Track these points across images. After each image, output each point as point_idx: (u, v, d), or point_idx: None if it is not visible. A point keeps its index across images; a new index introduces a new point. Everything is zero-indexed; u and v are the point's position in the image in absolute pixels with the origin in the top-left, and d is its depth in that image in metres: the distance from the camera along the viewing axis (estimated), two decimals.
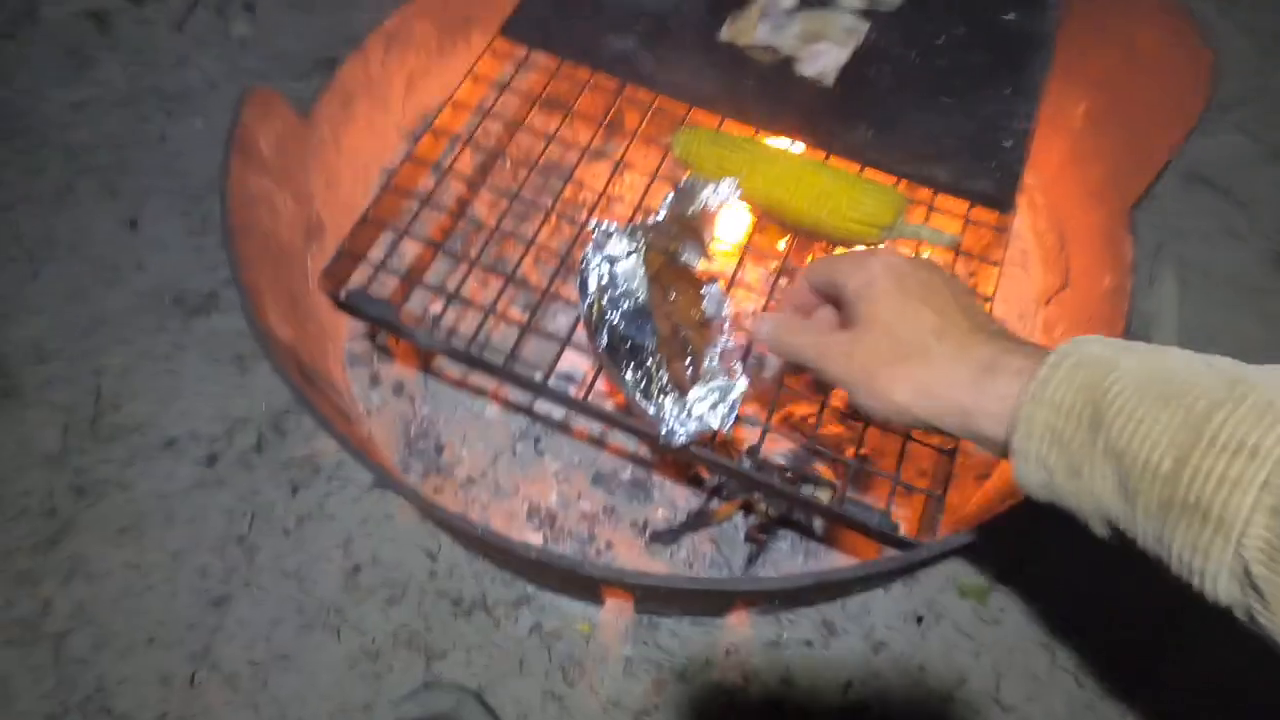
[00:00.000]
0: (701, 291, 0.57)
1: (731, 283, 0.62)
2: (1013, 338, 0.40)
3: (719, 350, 0.55)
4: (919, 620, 0.83)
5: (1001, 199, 0.67)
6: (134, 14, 1.27)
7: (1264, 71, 1.21)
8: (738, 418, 0.52)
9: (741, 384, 0.52)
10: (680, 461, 0.56)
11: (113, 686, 0.80)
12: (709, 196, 0.59)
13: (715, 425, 0.51)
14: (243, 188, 0.71)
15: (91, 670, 0.81)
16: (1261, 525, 0.27)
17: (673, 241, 0.58)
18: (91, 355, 0.98)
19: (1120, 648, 0.81)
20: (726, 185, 0.60)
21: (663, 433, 0.52)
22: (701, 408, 0.52)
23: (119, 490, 0.90)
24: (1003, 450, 0.38)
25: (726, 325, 0.56)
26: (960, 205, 0.67)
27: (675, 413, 0.52)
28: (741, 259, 0.69)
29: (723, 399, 0.52)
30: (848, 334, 0.43)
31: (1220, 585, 0.29)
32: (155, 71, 1.22)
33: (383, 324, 0.64)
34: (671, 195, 0.60)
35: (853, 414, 0.61)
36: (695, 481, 0.85)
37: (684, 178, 0.61)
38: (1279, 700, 0.78)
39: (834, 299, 0.47)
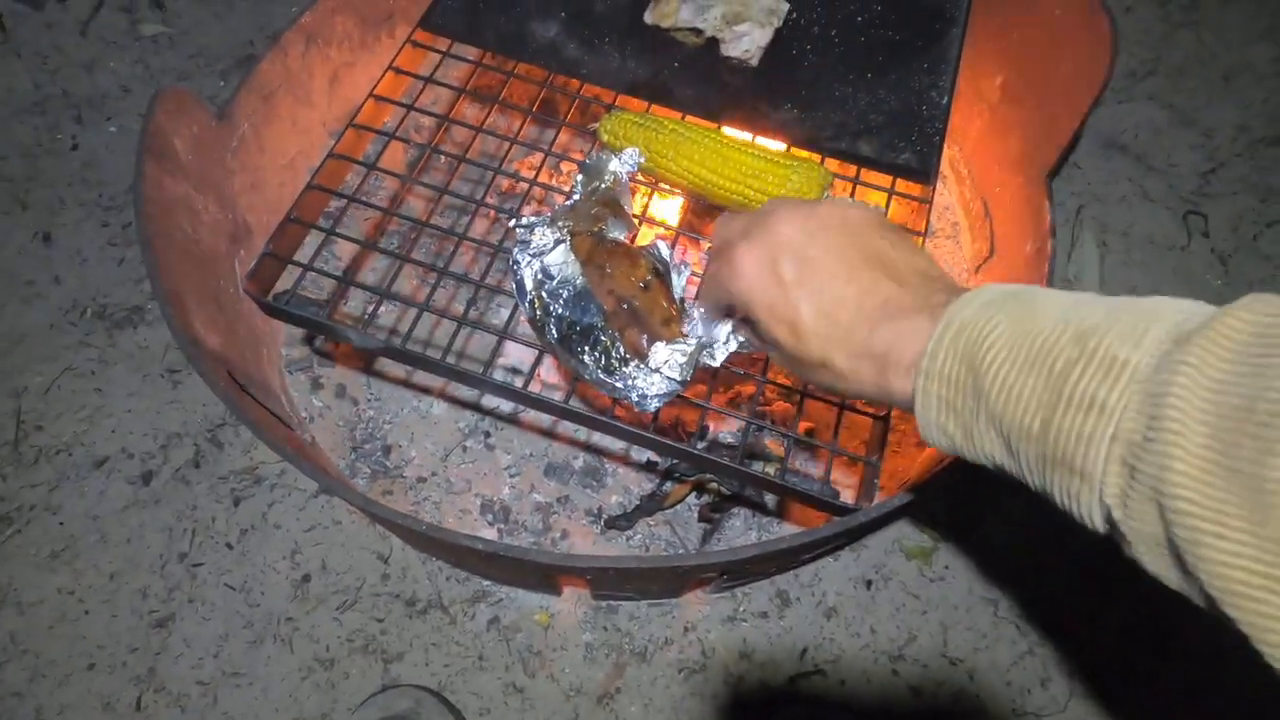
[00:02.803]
0: (644, 253, 0.57)
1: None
2: (890, 305, 0.39)
3: (680, 297, 0.56)
4: (868, 584, 0.85)
5: (923, 171, 0.69)
6: (35, 19, 1.21)
7: (1174, 41, 1.26)
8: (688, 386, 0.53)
9: (694, 343, 0.53)
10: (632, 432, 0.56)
11: (52, 717, 0.77)
12: (616, 167, 0.60)
13: (678, 378, 0.52)
14: (159, 193, 0.68)
15: (28, 703, 0.78)
16: (1115, 474, 0.29)
17: (595, 221, 0.58)
18: (9, 375, 0.93)
19: (1057, 596, 0.85)
20: (630, 154, 0.61)
21: (635, 399, 0.52)
22: (669, 369, 0.52)
23: (47, 514, 0.86)
24: None
25: (684, 272, 0.57)
26: (885, 179, 0.69)
27: (642, 379, 0.52)
28: (675, 241, 0.70)
29: (684, 355, 0.52)
30: (763, 342, 0.46)
31: (1097, 523, 0.32)
32: (63, 76, 1.16)
33: (313, 326, 0.62)
34: (580, 175, 0.60)
35: (792, 390, 0.62)
36: (648, 466, 0.86)
37: (588, 154, 0.61)
38: (1202, 636, 0.82)
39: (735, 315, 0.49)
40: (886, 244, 0.41)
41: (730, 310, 0.49)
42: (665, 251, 0.57)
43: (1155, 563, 0.29)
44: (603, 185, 0.60)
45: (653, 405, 0.53)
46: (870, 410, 0.61)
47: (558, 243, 0.56)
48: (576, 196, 0.60)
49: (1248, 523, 0.25)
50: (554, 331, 0.55)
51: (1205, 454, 0.26)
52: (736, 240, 0.43)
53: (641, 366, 0.52)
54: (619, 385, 0.53)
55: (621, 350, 0.52)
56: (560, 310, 0.54)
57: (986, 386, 0.33)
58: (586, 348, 0.53)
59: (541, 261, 0.56)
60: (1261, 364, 0.26)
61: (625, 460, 0.86)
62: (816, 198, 0.62)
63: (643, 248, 0.58)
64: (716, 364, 0.54)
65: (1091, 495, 0.30)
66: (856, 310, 0.39)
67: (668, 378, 0.52)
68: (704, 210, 0.88)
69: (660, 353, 0.52)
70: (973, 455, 0.37)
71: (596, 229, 0.58)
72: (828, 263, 0.40)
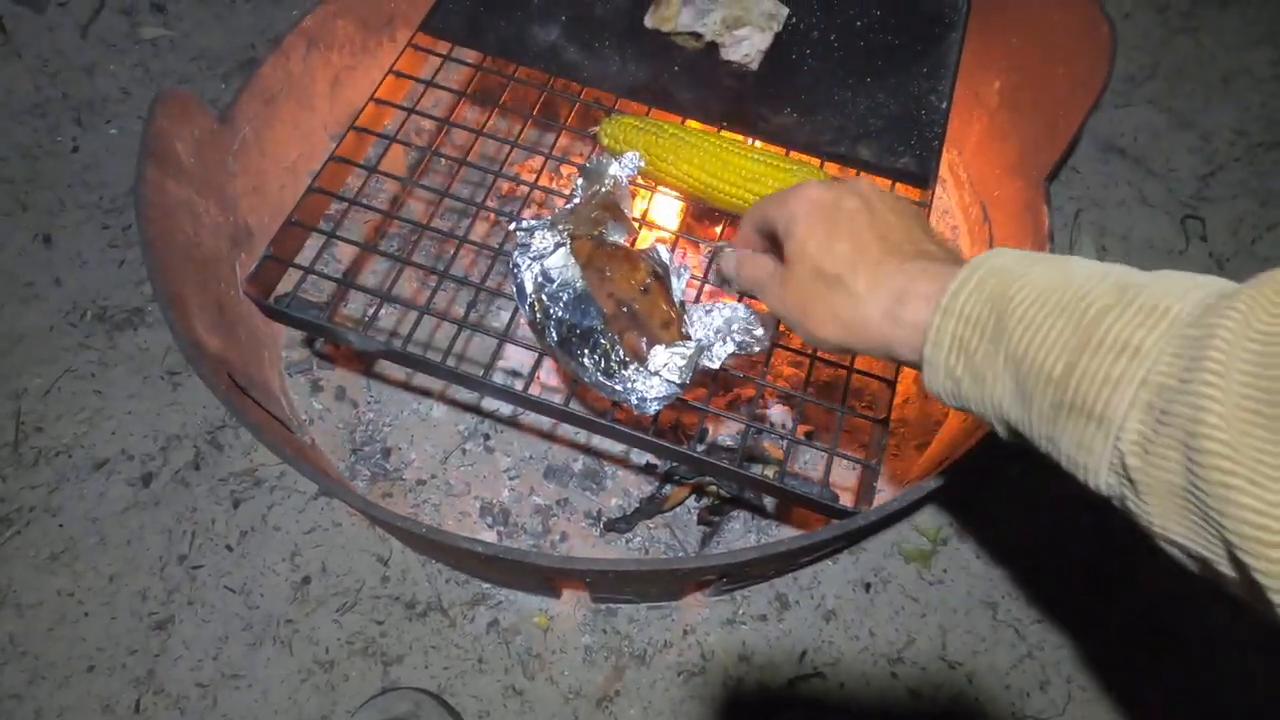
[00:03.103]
0: (644, 256, 0.57)
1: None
2: (928, 255, 0.40)
3: (680, 300, 0.56)
4: (867, 587, 0.85)
5: (922, 175, 0.69)
6: (36, 21, 1.21)
7: (1173, 46, 1.27)
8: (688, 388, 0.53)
9: (694, 346, 0.53)
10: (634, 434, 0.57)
11: (52, 719, 0.77)
12: (617, 171, 0.60)
13: (677, 381, 0.52)
14: (160, 195, 0.68)
15: (27, 705, 0.78)
16: (1137, 420, 0.29)
17: (595, 225, 0.59)
18: (9, 377, 0.93)
19: (1055, 599, 0.85)
20: (631, 157, 0.61)
21: (634, 402, 0.53)
22: (668, 372, 0.52)
23: (47, 516, 0.86)
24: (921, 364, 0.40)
25: (684, 275, 0.57)
26: (884, 183, 0.69)
27: (642, 382, 0.52)
28: (674, 244, 0.70)
29: (683, 358, 0.52)
30: (781, 270, 0.45)
31: (1102, 478, 0.31)
32: (63, 79, 1.16)
33: (313, 328, 0.62)
34: (580, 179, 0.61)
35: (792, 394, 0.62)
36: (647, 469, 0.86)
37: (588, 158, 0.61)
38: (1201, 638, 0.83)
39: (772, 237, 0.49)
40: (917, 222, 0.43)
41: (759, 238, 0.50)
42: (665, 255, 0.58)
43: (1165, 514, 0.29)
44: (603, 189, 0.60)
45: (652, 408, 0.53)
46: (869, 414, 0.62)
47: (558, 246, 0.57)
48: (577, 200, 0.60)
49: None
50: (554, 334, 0.55)
51: (1244, 401, 0.26)
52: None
53: (641, 370, 0.52)
54: (618, 388, 0.53)
55: (621, 353, 0.53)
56: (560, 313, 0.55)
57: (1011, 327, 0.33)
58: (586, 350, 0.53)
59: (542, 264, 0.56)
60: None
61: (625, 463, 0.86)
62: None
63: (642, 251, 0.58)
64: (715, 366, 0.54)
65: (1106, 443, 0.30)
66: (901, 243, 0.41)
67: (667, 380, 0.52)
68: (703, 214, 0.88)
69: (659, 356, 0.52)
70: (976, 403, 0.36)
71: (596, 232, 0.58)
72: (887, 212, 0.43)
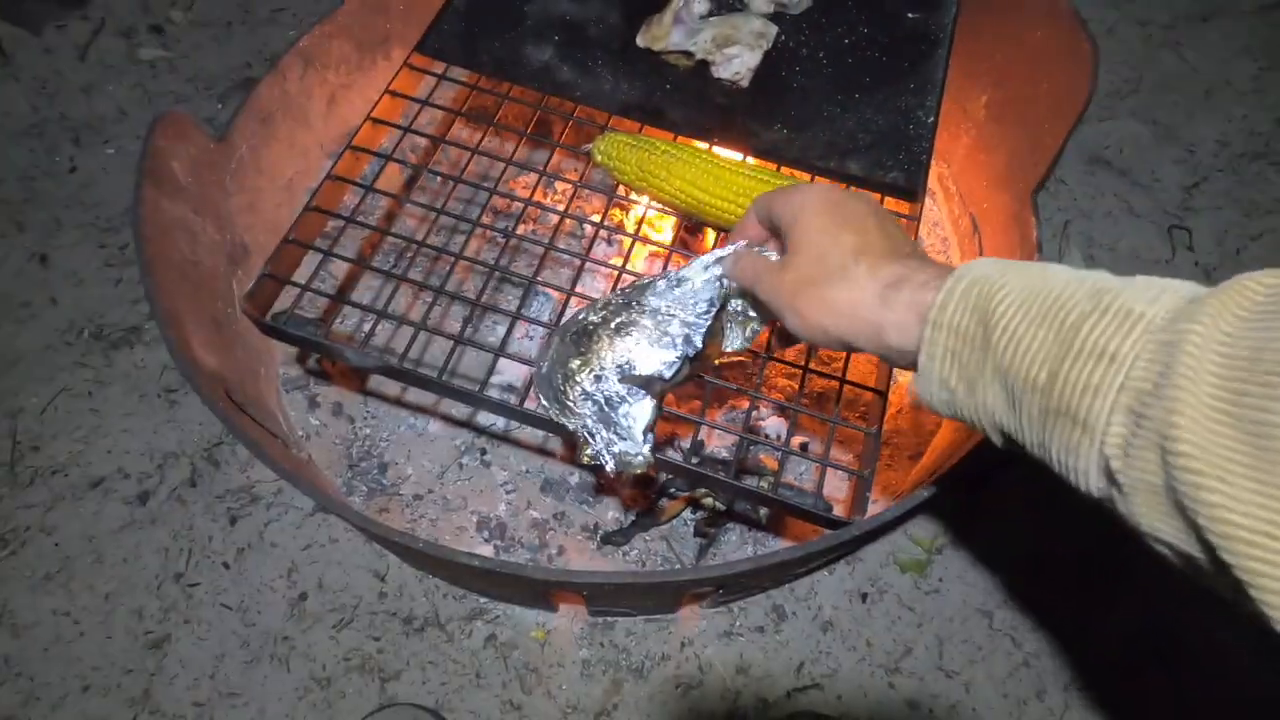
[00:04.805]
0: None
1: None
2: (924, 258, 0.42)
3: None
4: (864, 597, 0.85)
5: (911, 189, 0.70)
6: (34, 43, 1.22)
7: (1156, 60, 1.29)
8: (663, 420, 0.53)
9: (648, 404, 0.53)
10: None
11: None
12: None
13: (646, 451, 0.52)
14: (157, 215, 0.69)
15: None
16: (1119, 423, 0.30)
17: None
18: (5, 396, 0.93)
19: (1051, 607, 0.86)
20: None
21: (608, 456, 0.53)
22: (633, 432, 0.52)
23: (43, 535, 0.86)
24: (911, 362, 0.40)
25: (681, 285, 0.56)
26: (874, 197, 0.70)
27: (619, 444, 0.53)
28: (668, 259, 0.71)
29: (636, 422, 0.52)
30: (782, 259, 0.46)
31: (1091, 481, 0.32)
32: (61, 100, 1.17)
33: (310, 345, 0.63)
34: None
35: (786, 405, 0.63)
36: (643, 482, 0.86)
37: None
38: (1198, 645, 0.83)
39: (775, 229, 0.50)
40: (919, 249, 0.45)
41: (760, 229, 0.51)
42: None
43: (1151, 515, 0.29)
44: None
45: (638, 466, 0.53)
46: (862, 425, 0.62)
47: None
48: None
49: (1250, 469, 0.25)
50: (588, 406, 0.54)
51: (1213, 401, 0.26)
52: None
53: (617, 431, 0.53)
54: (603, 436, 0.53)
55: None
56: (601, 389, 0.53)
57: (996, 338, 0.34)
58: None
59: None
60: (1272, 319, 0.26)
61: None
62: None
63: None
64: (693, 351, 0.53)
65: (1091, 447, 0.31)
66: (902, 244, 0.42)
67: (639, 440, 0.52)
68: (696, 229, 0.89)
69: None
70: (970, 411, 0.37)
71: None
72: (888, 219, 0.45)
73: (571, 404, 0.53)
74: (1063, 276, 0.34)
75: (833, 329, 0.42)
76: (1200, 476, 0.26)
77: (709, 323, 0.52)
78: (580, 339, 0.54)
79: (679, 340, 0.52)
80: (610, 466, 0.52)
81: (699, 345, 0.51)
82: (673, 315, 0.52)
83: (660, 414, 0.53)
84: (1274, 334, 0.26)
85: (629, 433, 0.52)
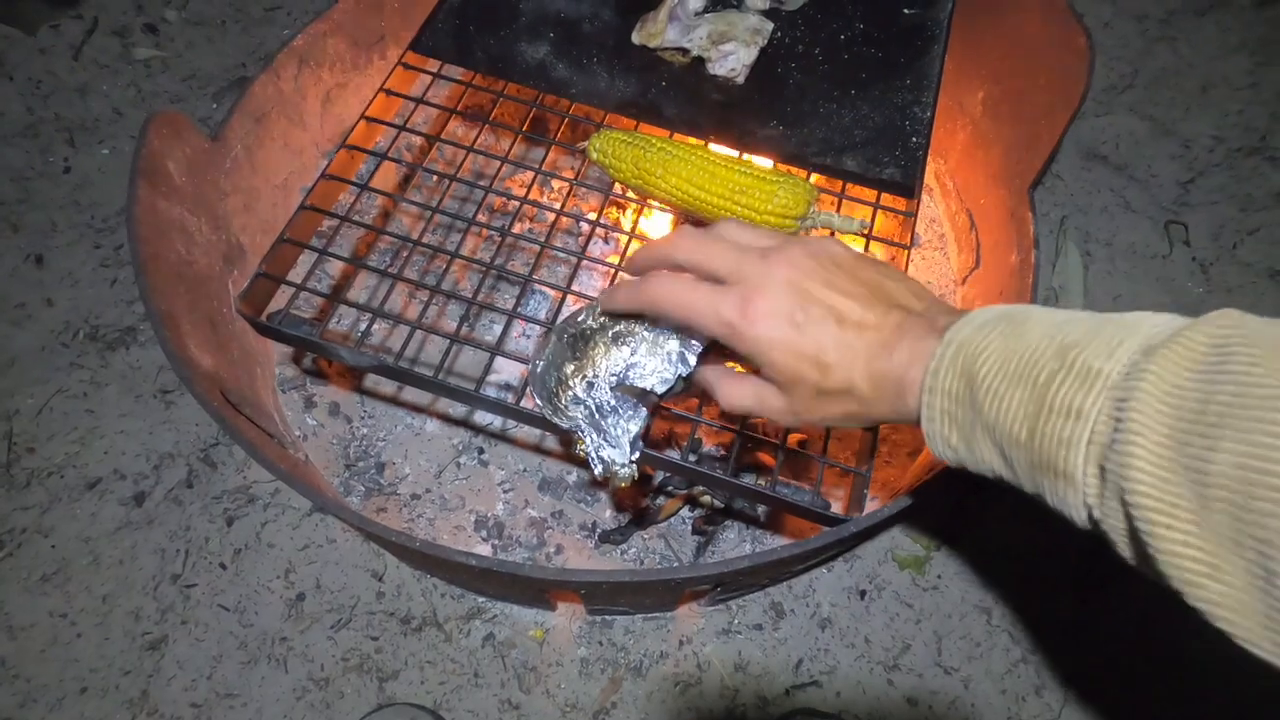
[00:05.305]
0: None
1: None
2: (904, 326, 0.40)
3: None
4: (862, 595, 0.85)
5: (907, 185, 0.70)
6: (28, 43, 1.22)
7: (1152, 55, 1.29)
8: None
9: (642, 415, 0.53)
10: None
11: None
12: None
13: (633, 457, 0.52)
14: (152, 215, 0.69)
15: None
16: (1093, 475, 0.31)
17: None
18: (0, 398, 0.93)
19: (1049, 604, 0.86)
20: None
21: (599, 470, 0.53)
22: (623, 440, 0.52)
23: (39, 537, 0.86)
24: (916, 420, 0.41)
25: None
26: (870, 193, 0.70)
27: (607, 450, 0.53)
28: None
29: (627, 432, 0.52)
30: (772, 389, 0.45)
31: (1086, 525, 0.33)
32: (55, 100, 1.17)
33: (306, 345, 0.63)
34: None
35: None
36: (640, 480, 0.86)
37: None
38: (1195, 642, 0.83)
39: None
40: (879, 275, 0.43)
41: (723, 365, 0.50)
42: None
43: (1133, 557, 0.31)
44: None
45: (597, 469, 0.53)
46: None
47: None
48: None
49: (1192, 514, 0.27)
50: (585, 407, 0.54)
51: (1161, 451, 0.28)
52: (732, 289, 0.43)
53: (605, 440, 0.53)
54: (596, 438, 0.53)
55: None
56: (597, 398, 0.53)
57: (981, 398, 0.35)
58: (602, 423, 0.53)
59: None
60: (1215, 371, 0.28)
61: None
62: (803, 213, 0.63)
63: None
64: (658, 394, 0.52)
65: (1077, 496, 0.32)
66: (876, 335, 0.41)
67: (628, 449, 0.52)
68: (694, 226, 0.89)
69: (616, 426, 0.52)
70: (974, 466, 0.38)
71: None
72: (837, 296, 0.41)
73: (563, 407, 0.53)
74: (1037, 333, 0.35)
75: (864, 420, 0.43)
76: (1153, 525, 0.28)
77: (706, 344, 0.51)
78: (576, 343, 0.53)
79: (674, 357, 0.51)
80: (599, 470, 0.52)
81: (694, 365, 0.51)
82: (671, 331, 0.52)
83: (650, 426, 0.53)
84: (1217, 387, 0.27)
85: (618, 441, 0.52)
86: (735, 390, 0.47)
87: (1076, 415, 0.31)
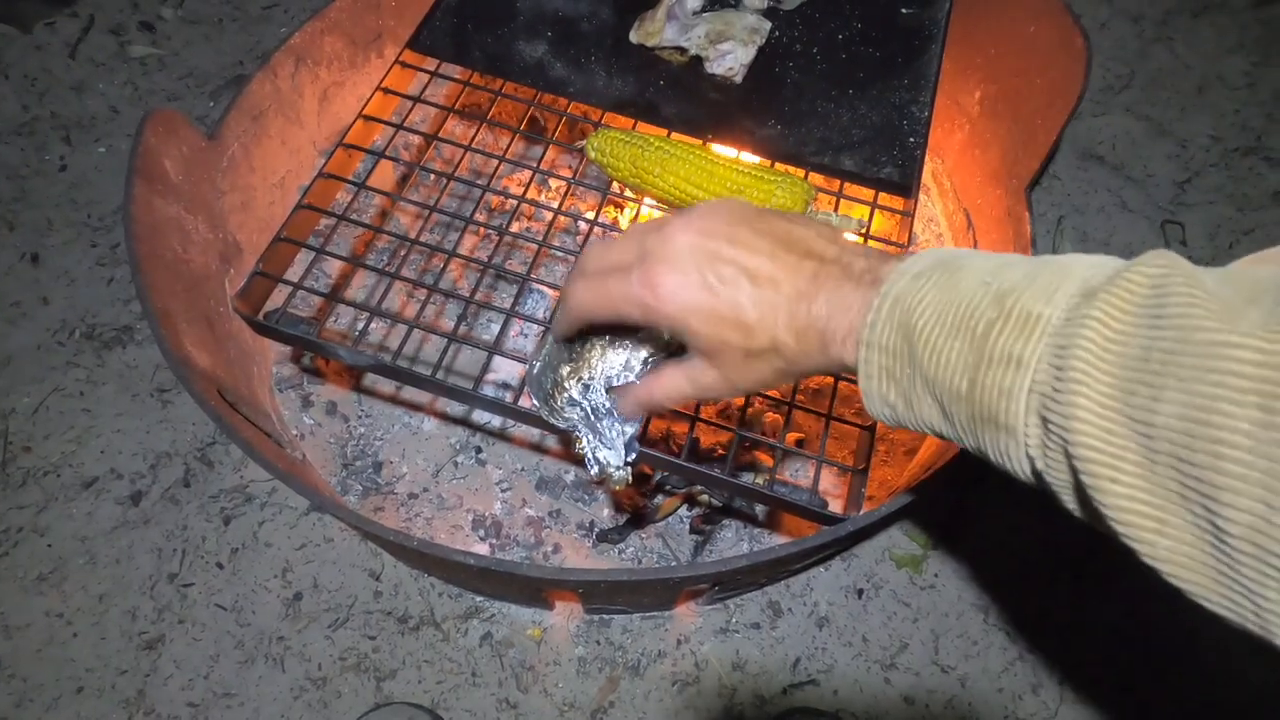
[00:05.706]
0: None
1: None
2: (822, 275, 0.38)
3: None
4: (859, 593, 0.86)
5: (905, 185, 0.70)
6: (24, 41, 1.21)
7: (1149, 55, 1.29)
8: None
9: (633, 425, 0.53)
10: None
11: None
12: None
13: (628, 459, 0.52)
14: (149, 213, 0.68)
15: None
16: (1034, 425, 0.30)
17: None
18: None
19: (1046, 602, 0.86)
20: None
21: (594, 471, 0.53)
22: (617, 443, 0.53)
23: (35, 536, 0.86)
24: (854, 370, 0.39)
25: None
26: (868, 192, 0.70)
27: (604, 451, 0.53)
28: None
29: (622, 435, 0.52)
30: (698, 365, 0.43)
31: (1029, 478, 0.32)
32: (51, 98, 1.16)
33: (303, 344, 0.63)
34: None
35: (781, 401, 0.63)
36: (638, 479, 0.86)
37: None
38: (1191, 640, 0.83)
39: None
40: (786, 223, 0.41)
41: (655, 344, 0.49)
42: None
43: (1078, 508, 0.30)
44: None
45: (593, 470, 0.53)
46: (857, 420, 0.62)
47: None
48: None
49: (1139, 467, 0.26)
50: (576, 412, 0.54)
51: (1106, 402, 0.27)
52: (635, 267, 0.41)
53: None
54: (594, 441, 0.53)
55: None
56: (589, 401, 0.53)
57: (919, 353, 0.34)
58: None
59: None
60: (1156, 316, 0.27)
61: None
62: (801, 211, 0.64)
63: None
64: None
65: (1019, 449, 0.31)
66: (791, 287, 0.38)
67: (621, 451, 0.53)
68: None
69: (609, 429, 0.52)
70: (914, 423, 0.37)
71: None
72: (745, 253, 0.39)
73: (559, 409, 0.53)
74: (973, 281, 0.34)
75: (800, 374, 0.41)
76: (1098, 478, 0.27)
77: (656, 351, 0.51)
78: (573, 345, 0.54)
79: (653, 362, 0.51)
80: (594, 471, 0.52)
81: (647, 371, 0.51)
82: (669, 337, 0.52)
83: (646, 429, 0.53)
84: (1160, 333, 0.27)
85: (613, 444, 0.52)
86: (665, 382, 0.45)
87: (1016, 363, 0.30)
